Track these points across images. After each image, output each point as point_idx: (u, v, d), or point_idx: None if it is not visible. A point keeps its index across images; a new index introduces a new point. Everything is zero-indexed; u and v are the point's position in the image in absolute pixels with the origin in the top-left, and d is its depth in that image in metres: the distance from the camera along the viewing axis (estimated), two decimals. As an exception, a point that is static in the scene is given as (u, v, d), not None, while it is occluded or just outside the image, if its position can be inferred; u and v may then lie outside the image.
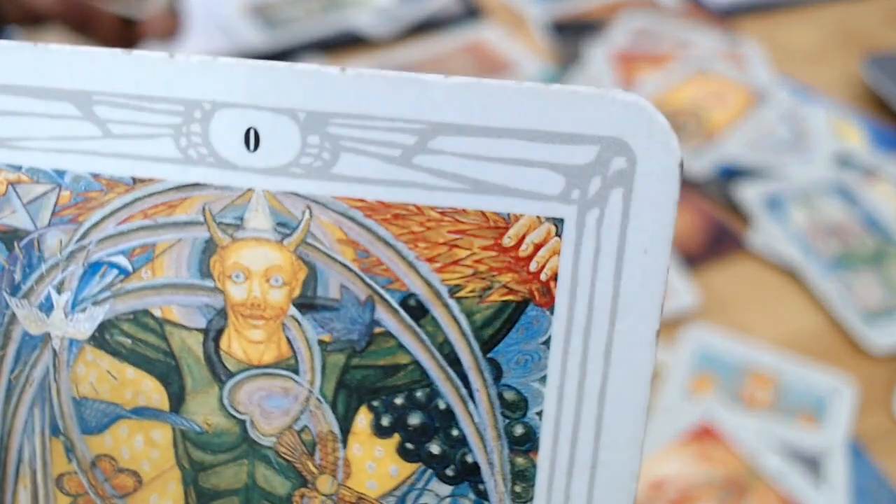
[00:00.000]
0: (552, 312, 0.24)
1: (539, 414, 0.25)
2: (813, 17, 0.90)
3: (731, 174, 0.73)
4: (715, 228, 0.69)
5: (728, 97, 0.79)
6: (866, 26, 0.89)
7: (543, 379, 0.24)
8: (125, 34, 0.64)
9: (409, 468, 0.25)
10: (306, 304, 0.25)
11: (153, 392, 0.26)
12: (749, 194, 0.71)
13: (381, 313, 0.24)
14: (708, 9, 0.90)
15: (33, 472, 0.27)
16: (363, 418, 0.25)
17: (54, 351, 0.26)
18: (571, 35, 0.86)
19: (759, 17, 0.90)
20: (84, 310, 0.26)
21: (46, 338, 0.26)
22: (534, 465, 0.25)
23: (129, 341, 0.26)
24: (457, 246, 0.24)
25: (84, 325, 0.26)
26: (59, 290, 0.25)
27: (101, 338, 0.26)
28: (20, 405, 0.26)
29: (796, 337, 0.63)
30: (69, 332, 0.26)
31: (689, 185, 0.72)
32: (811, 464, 0.55)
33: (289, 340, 0.25)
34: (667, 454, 0.55)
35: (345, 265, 0.24)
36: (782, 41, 0.87)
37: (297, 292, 0.25)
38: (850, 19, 0.90)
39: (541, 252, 0.24)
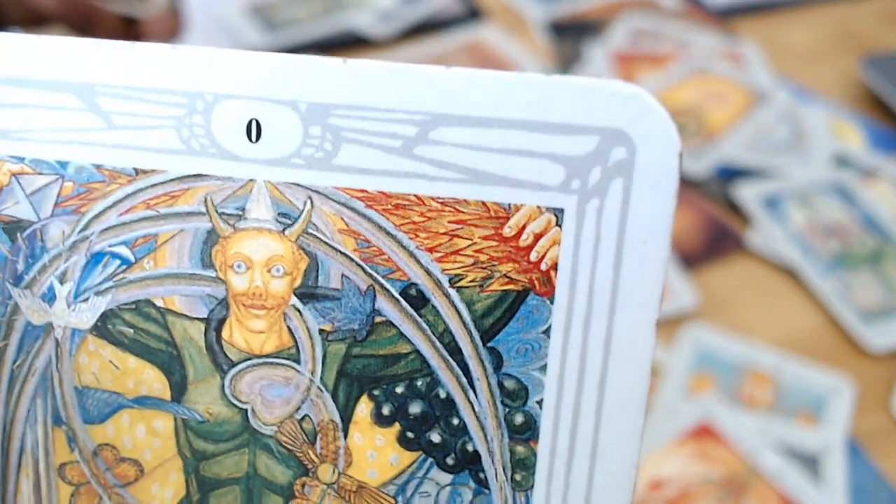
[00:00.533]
0: (552, 302, 0.24)
1: (539, 403, 0.25)
2: (812, 17, 0.90)
3: (730, 174, 0.73)
4: (714, 228, 0.69)
5: (727, 97, 0.80)
6: (865, 27, 0.89)
7: (543, 368, 0.24)
8: (126, 34, 0.64)
9: (409, 457, 0.25)
10: (307, 293, 0.25)
11: (155, 381, 0.26)
12: (748, 194, 0.71)
13: (382, 303, 0.25)
14: (707, 9, 0.90)
15: (36, 461, 0.27)
16: (364, 407, 0.25)
17: (56, 341, 0.26)
18: (571, 35, 0.86)
19: (759, 17, 0.90)
20: (86, 300, 0.26)
21: (49, 328, 0.26)
22: (534, 454, 0.25)
23: (131, 331, 0.26)
24: (457, 236, 0.24)
25: (86, 314, 0.26)
26: (62, 281, 0.26)
27: (103, 327, 0.26)
28: (23, 395, 0.26)
29: (795, 336, 0.63)
30: (71, 321, 0.26)
31: (688, 185, 0.72)
32: (810, 463, 0.56)
33: (290, 330, 0.25)
34: (666, 453, 0.55)
35: (346, 255, 0.24)
36: (781, 42, 0.87)
37: (298, 282, 0.25)
38: (848, 20, 0.90)
39: (541, 242, 0.24)
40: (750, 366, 0.60)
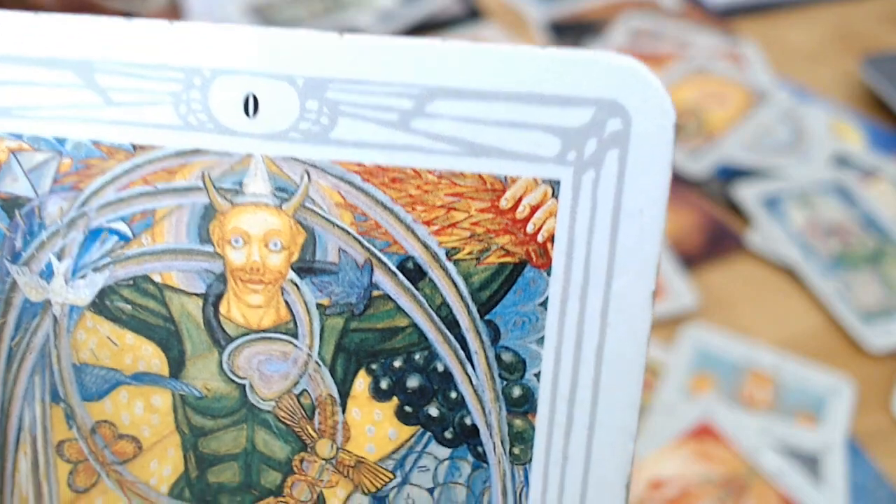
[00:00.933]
0: (549, 274, 0.24)
1: (537, 375, 0.25)
2: (812, 17, 0.90)
3: (730, 174, 0.73)
4: (714, 228, 0.69)
5: (727, 97, 0.80)
6: (865, 27, 0.90)
7: (541, 340, 0.24)
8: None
9: (407, 431, 0.25)
10: (305, 268, 0.25)
11: (153, 357, 0.26)
12: (748, 194, 0.71)
13: (379, 276, 0.25)
14: (707, 9, 0.90)
15: (34, 438, 0.27)
16: (362, 381, 0.25)
17: (55, 318, 0.26)
18: (571, 35, 0.86)
19: (759, 17, 0.90)
20: (84, 276, 0.26)
21: (47, 305, 0.26)
22: (532, 427, 0.25)
23: (129, 307, 0.26)
24: (454, 209, 0.24)
25: (84, 291, 0.26)
26: (60, 257, 0.26)
27: (101, 304, 0.26)
28: (20, 372, 0.26)
29: (795, 336, 0.63)
30: (69, 298, 0.26)
31: (688, 185, 0.72)
32: (810, 462, 0.55)
33: (287, 304, 0.25)
34: (666, 453, 0.55)
35: (343, 229, 0.24)
36: (781, 42, 0.87)
37: (295, 256, 0.25)
38: (848, 20, 0.90)
39: (537, 214, 0.24)
40: (750, 366, 0.60)
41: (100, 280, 0.26)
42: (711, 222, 0.70)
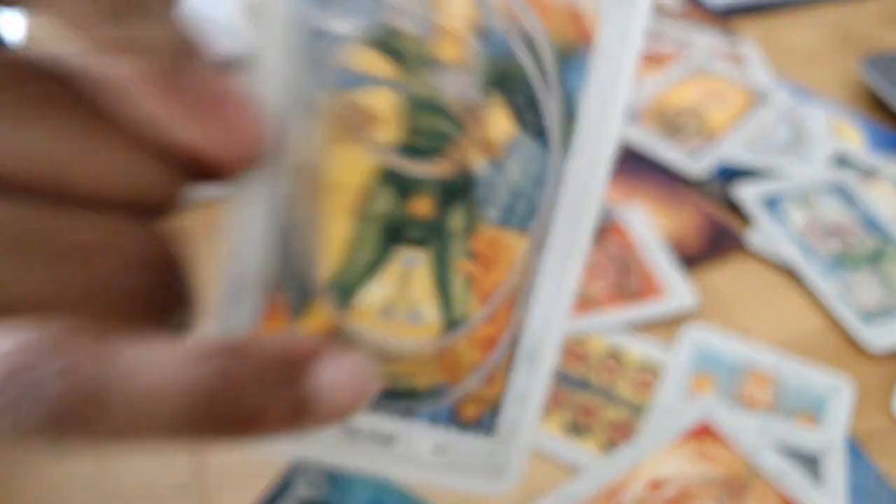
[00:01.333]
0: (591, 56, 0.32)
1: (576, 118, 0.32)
2: (812, 17, 0.90)
3: (730, 174, 0.73)
4: (714, 228, 0.69)
5: (728, 97, 0.80)
6: (865, 27, 0.90)
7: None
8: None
9: (514, 134, 0.33)
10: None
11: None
12: (748, 194, 0.71)
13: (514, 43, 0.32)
14: (707, 9, 0.90)
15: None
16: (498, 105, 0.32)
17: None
18: (571, 35, 0.86)
19: (759, 17, 0.90)
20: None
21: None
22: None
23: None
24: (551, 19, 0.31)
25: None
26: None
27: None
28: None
29: (795, 337, 0.63)
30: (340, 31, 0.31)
31: (688, 185, 0.72)
32: (810, 463, 0.56)
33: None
34: (666, 453, 0.55)
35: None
36: (781, 42, 0.87)
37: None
38: (848, 20, 0.90)
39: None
40: (750, 366, 0.60)
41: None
42: (711, 222, 0.70)
